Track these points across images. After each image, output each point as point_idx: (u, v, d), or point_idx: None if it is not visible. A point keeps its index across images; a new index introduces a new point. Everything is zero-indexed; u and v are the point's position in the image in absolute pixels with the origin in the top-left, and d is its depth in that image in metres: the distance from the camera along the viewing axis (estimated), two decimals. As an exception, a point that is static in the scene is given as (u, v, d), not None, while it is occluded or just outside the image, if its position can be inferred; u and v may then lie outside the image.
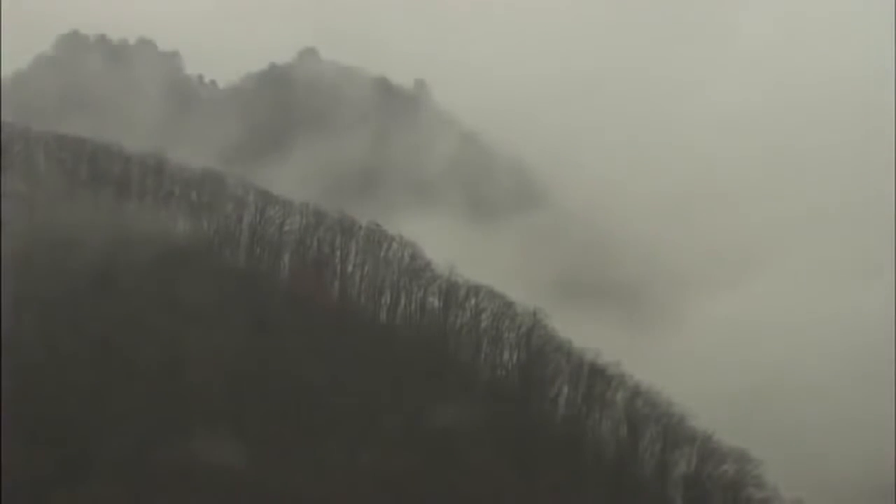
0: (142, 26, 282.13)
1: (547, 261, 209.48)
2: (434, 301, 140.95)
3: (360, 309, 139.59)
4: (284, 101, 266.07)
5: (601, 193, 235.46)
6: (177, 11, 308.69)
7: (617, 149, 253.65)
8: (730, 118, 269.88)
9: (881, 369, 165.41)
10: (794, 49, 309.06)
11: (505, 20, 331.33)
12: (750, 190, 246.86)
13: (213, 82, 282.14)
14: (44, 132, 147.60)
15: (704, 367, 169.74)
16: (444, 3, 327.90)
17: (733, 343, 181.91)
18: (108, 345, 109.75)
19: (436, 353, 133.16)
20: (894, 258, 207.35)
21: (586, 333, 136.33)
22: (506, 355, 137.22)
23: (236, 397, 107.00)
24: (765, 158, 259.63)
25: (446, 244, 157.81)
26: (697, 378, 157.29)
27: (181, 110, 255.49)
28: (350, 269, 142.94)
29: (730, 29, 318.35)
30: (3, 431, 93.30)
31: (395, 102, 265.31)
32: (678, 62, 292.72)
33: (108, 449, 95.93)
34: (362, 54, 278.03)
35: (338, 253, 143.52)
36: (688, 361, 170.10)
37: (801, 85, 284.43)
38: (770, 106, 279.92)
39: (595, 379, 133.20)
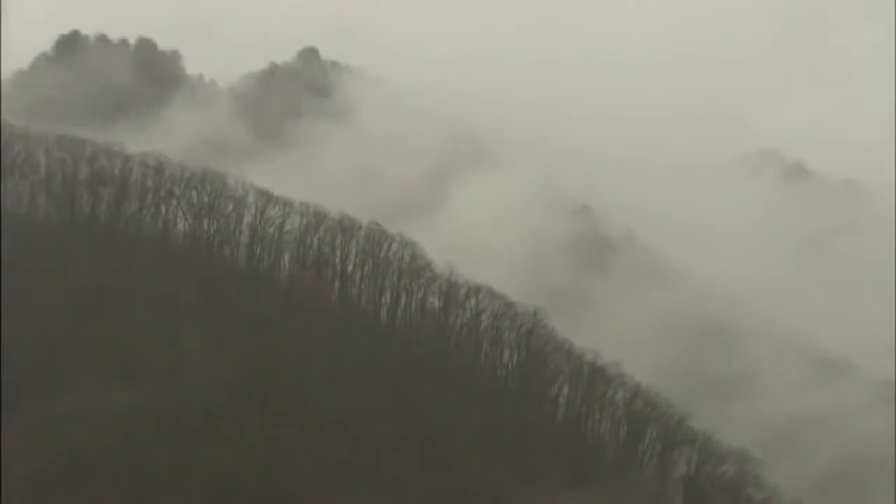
0: (142, 26, 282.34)
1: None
2: (434, 301, 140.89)
3: (360, 309, 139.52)
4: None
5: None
6: (177, 11, 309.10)
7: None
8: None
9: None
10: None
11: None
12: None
13: (213, 82, 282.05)
14: (44, 132, 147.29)
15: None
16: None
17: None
18: (109, 345, 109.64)
19: (436, 353, 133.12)
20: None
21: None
22: (506, 355, 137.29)
23: (236, 397, 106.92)
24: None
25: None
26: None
27: (181, 110, 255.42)
28: (350, 269, 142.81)
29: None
30: (2, 431, 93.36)
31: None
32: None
33: (108, 449, 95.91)
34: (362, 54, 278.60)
35: (338, 253, 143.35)
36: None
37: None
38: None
39: (595, 379, 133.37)
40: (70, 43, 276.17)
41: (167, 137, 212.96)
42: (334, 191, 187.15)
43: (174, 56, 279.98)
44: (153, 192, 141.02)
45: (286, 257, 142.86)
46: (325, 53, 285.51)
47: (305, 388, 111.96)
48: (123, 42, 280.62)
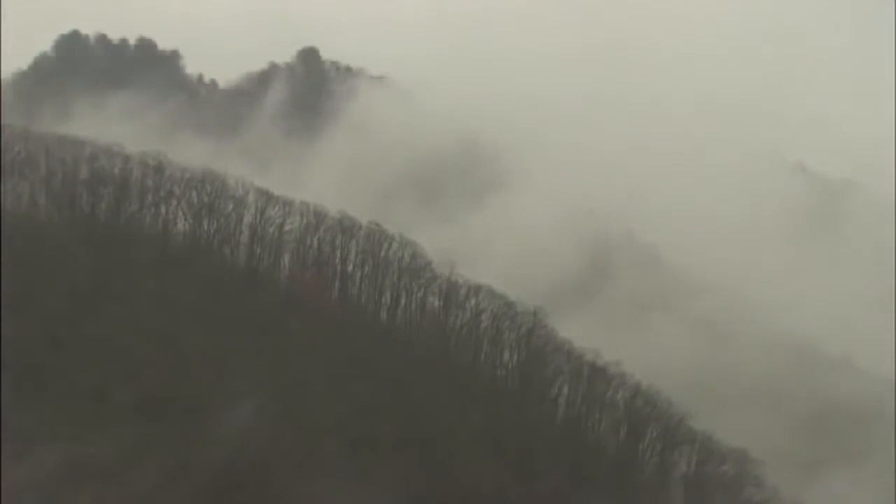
0: (142, 26, 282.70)
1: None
2: (434, 301, 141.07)
3: (360, 309, 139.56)
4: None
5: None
6: (177, 11, 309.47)
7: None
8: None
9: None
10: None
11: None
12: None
13: (213, 82, 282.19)
14: (44, 132, 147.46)
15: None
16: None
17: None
18: (108, 345, 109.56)
19: (436, 353, 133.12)
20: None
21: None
22: (506, 355, 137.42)
23: (237, 397, 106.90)
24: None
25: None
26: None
27: (181, 110, 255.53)
28: (350, 269, 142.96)
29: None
30: (2, 430, 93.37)
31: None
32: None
33: (108, 449, 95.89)
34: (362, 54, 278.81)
35: (338, 253, 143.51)
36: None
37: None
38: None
39: (595, 379, 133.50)
40: (70, 43, 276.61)
41: (167, 137, 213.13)
42: (334, 191, 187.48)
43: (174, 56, 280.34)
44: (153, 192, 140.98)
45: (286, 257, 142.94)
46: (325, 53, 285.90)
47: (305, 387, 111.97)
48: (123, 42, 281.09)
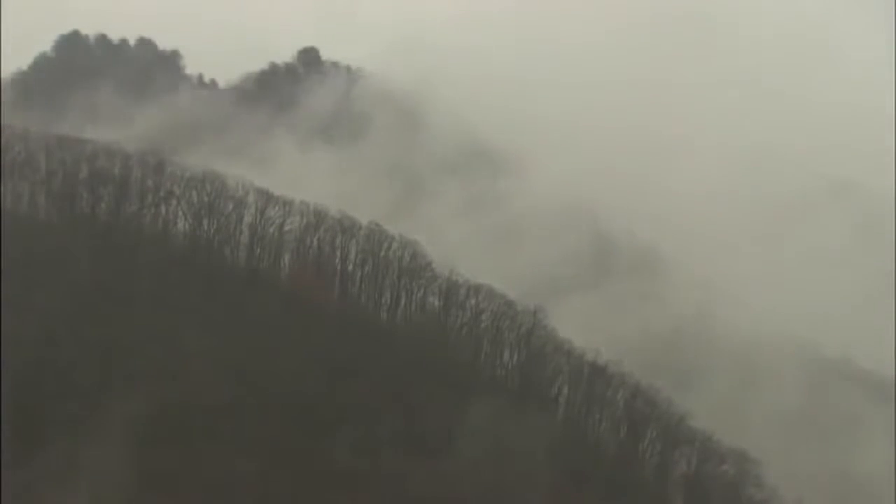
0: (142, 26, 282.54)
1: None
2: (434, 301, 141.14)
3: (360, 309, 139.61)
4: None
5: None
6: (177, 11, 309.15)
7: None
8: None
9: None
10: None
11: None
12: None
13: (213, 82, 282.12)
14: (44, 132, 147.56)
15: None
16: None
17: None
18: (109, 345, 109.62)
19: (436, 353, 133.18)
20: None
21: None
22: (506, 355, 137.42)
23: (236, 397, 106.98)
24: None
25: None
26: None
27: (181, 110, 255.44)
28: (350, 269, 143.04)
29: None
30: (2, 429, 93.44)
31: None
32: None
33: (108, 450, 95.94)
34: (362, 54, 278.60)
35: (338, 253, 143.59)
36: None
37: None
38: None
39: (595, 379, 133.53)
40: (70, 43, 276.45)
41: (167, 137, 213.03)
42: (335, 191, 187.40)
43: (174, 56, 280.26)
44: (153, 192, 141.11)
45: (286, 257, 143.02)
46: (325, 53, 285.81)
47: (306, 387, 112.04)
48: (123, 42, 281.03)
